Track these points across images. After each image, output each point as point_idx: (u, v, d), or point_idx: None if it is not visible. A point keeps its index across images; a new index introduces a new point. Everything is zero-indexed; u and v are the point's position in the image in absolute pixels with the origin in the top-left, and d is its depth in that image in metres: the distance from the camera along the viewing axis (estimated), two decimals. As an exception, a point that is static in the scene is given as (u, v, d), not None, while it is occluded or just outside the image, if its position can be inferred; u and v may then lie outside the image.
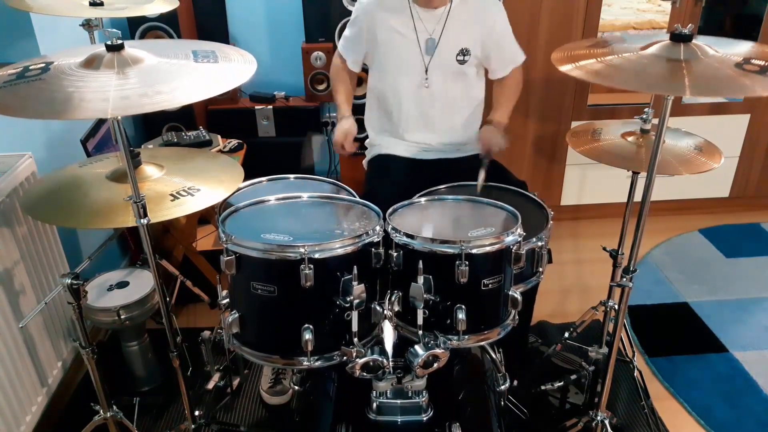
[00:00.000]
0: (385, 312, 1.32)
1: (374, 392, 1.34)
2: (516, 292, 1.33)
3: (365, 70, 2.05)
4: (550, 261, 1.58)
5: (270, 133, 2.92)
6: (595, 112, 2.81)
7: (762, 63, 1.22)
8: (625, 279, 1.47)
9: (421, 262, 1.26)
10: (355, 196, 1.53)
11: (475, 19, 1.86)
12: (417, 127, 1.96)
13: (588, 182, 2.97)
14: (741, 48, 1.32)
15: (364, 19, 1.88)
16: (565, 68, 1.30)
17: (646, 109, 1.73)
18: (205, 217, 2.63)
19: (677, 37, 1.27)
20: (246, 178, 1.52)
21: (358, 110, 2.67)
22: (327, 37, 2.71)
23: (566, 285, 2.57)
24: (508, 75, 1.97)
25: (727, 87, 1.22)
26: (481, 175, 1.70)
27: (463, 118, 1.98)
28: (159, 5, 1.83)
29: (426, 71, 1.87)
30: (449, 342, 1.29)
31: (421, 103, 1.91)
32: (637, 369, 1.98)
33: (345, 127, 1.90)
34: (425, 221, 1.42)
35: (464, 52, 1.86)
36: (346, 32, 1.97)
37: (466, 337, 1.31)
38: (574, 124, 2.80)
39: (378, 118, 2.04)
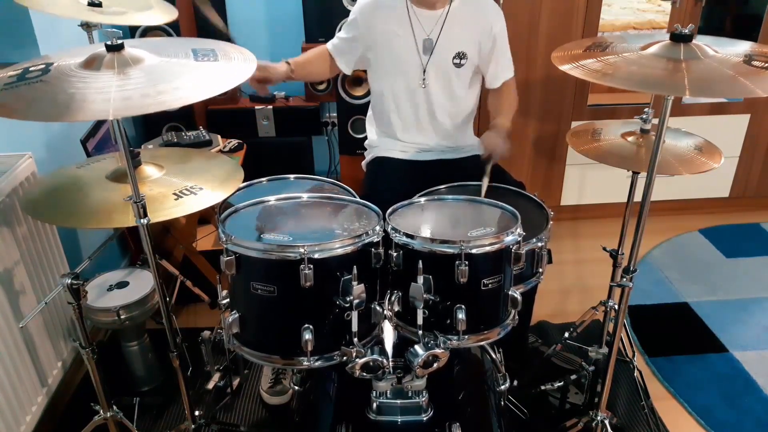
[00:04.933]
0: (385, 312, 1.32)
1: (374, 392, 1.34)
2: (516, 292, 1.33)
3: (364, 70, 2.04)
4: (550, 261, 1.58)
5: (270, 133, 2.92)
6: (595, 112, 2.81)
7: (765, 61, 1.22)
8: (625, 279, 1.47)
9: (420, 262, 1.26)
10: (355, 196, 1.53)
11: (473, 21, 1.86)
12: (414, 127, 1.96)
13: (588, 182, 2.97)
14: (740, 48, 1.32)
15: (362, 20, 1.87)
16: (564, 67, 1.30)
17: (646, 109, 1.72)
18: (205, 217, 2.63)
19: (677, 37, 1.27)
20: (246, 178, 1.52)
21: (360, 110, 2.69)
22: (327, 37, 2.69)
23: (566, 285, 2.57)
24: (503, 86, 1.97)
25: (727, 88, 1.22)
26: (485, 181, 1.68)
27: (458, 120, 1.98)
28: (157, 14, 1.81)
29: (424, 71, 1.87)
30: (449, 342, 1.29)
31: (418, 103, 1.91)
32: (637, 369, 1.98)
33: (271, 63, 1.85)
34: (425, 221, 1.42)
35: (461, 56, 1.86)
36: (342, 33, 1.95)
37: (466, 337, 1.31)
38: (574, 124, 2.80)
39: (377, 119, 2.04)
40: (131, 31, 2.57)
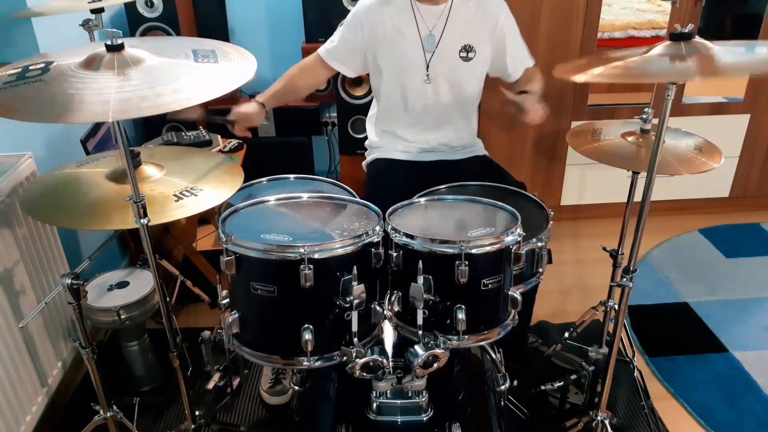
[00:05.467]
0: (385, 312, 1.32)
1: (374, 392, 1.34)
2: (516, 292, 1.33)
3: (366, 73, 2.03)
4: (550, 261, 1.58)
5: (270, 133, 2.92)
6: (595, 112, 2.81)
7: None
8: (625, 279, 1.47)
9: (420, 262, 1.26)
10: (355, 196, 1.53)
11: (477, 15, 1.85)
12: (419, 125, 1.96)
13: (588, 182, 2.97)
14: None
15: (365, 18, 1.86)
16: (579, 78, 1.30)
17: (646, 109, 1.72)
18: (205, 217, 2.63)
19: (677, 37, 1.27)
20: (246, 178, 1.52)
21: (360, 110, 2.69)
22: (327, 37, 2.71)
23: (566, 285, 2.57)
24: (526, 72, 1.95)
25: (737, 67, 1.23)
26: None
27: (465, 117, 1.98)
28: None
29: (427, 68, 1.86)
30: (449, 342, 1.29)
31: (422, 100, 1.91)
32: (637, 369, 1.98)
33: (249, 110, 1.85)
34: (425, 221, 1.42)
35: (468, 48, 1.85)
36: (338, 36, 1.91)
37: (466, 337, 1.30)
38: (574, 124, 2.80)
39: (381, 118, 2.03)
40: (131, 31, 2.57)
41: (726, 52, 1.25)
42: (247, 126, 1.85)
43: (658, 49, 1.29)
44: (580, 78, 1.30)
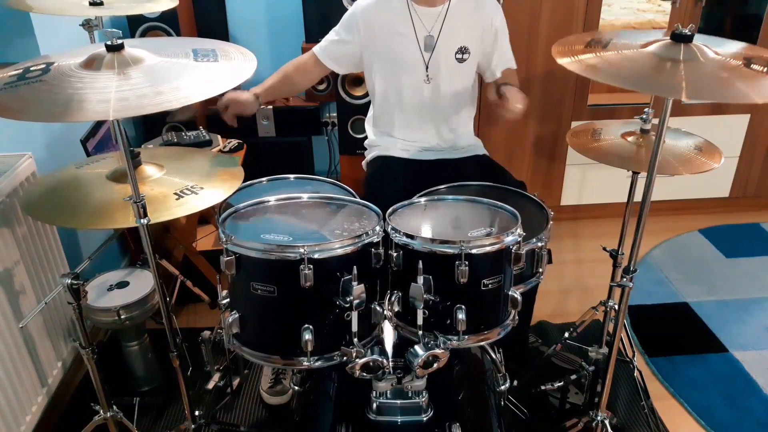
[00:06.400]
0: (385, 312, 1.32)
1: (374, 392, 1.34)
2: (516, 292, 1.33)
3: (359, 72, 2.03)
4: (550, 261, 1.58)
5: (270, 133, 2.92)
6: (595, 112, 2.81)
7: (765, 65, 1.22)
8: (625, 279, 1.47)
9: (420, 262, 1.26)
10: (355, 196, 1.53)
11: (473, 17, 1.86)
12: (417, 125, 1.96)
13: (588, 182, 2.97)
14: (735, 47, 1.31)
15: (361, 18, 1.86)
16: (562, 61, 1.29)
17: (646, 109, 1.73)
18: (205, 217, 2.63)
19: (678, 38, 1.27)
20: (246, 178, 1.52)
21: (360, 110, 2.69)
22: (327, 36, 2.73)
23: (566, 285, 2.57)
24: (504, 74, 1.96)
25: (724, 92, 1.20)
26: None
27: (461, 117, 1.99)
28: (159, 3, 1.83)
29: (427, 68, 1.87)
30: (449, 342, 1.29)
31: (422, 101, 1.92)
32: (637, 369, 1.98)
33: (242, 96, 1.84)
34: (425, 221, 1.42)
35: (463, 50, 1.86)
36: (334, 36, 1.92)
37: (466, 337, 1.30)
38: (574, 124, 2.80)
39: (379, 118, 2.03)
40: (131, 31, 2.57)
41: (722, 65, 1.22)
42: (237, 112, 1.85)
43: (656, 48, 1.28)
44: (564, 61, 1.29)
